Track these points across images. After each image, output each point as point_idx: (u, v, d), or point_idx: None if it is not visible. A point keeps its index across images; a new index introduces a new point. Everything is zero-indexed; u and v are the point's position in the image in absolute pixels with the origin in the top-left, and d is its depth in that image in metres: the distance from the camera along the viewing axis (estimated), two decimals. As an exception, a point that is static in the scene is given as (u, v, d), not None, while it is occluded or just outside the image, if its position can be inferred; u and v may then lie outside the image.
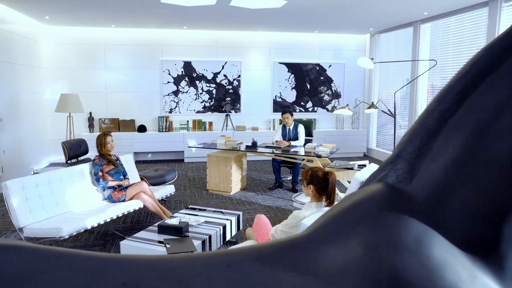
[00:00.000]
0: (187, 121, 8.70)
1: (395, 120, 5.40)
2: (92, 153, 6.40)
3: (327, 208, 2.91)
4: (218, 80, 8.83)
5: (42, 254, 0.67)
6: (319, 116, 9.27)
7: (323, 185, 2.85)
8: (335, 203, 2.95)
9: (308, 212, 2.84)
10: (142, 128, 8.50)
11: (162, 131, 8.55)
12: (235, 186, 6.13)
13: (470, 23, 6.28)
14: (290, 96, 9.19)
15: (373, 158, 9.03)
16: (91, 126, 8.35)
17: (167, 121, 8.58)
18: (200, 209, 4.29)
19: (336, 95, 9.39)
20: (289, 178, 6.78)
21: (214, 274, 0.70)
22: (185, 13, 6.68)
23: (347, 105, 5.70)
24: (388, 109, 5.39)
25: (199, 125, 8.76)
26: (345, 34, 9.17)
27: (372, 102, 5.72)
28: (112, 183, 4.55)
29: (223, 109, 8.88)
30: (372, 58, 5.34)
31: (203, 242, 3.50)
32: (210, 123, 8.82)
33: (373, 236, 0.77)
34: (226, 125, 8.81)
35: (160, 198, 4.85)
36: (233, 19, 7.31)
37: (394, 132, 5.52)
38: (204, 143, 6.62)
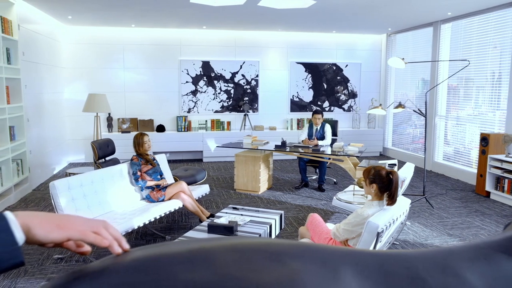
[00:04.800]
0: (206, 121, 8.71)
1: (426, 120, 5.43)
2: (119, 152, 6.42)
3: (389, 207, 2.93)
4: (236, 79, 8.85)
5: (334, 252, 0.68)
6: (336, 115, 9.30)
7: (386, 184, 2.87)
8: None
9: (371, 211, 2.87)
10: (161, 128, 8.50)
11: (181, 131, 8.56)
12: (263, 185, 6.15)
13: (495, 23, 6.32)
14: (307, 95, 9.22)
15: (390, 157, 9.07)
16: (110, 126, 8.33)
17: (185, 120, 8.58)
18: (242, 208, 4.30)
19: (353, 95, 9.43)
20: (314, 178, 6.81)
21: (481, 268, 0.73)
22: (209, 12, 6.69)
23: (380, 104, 5.73)
24: (419, 109, 5.42)
25: (217, 125, 8.76)
26: (361, 34, 9.20)
27: (400, 102, 5.75)
28: (151, 183, 4.56)
29: (241, 109, 8.89)
30: (403, 58, 5.36)
31: (254, 241, 3.52)
32: (229, 123, 8.83)
33: None
34: (244, 124, 8.83)
35: (197, 198, 4.86)
36: (256, 19, 7.32)
37: (425, 132, 5.55)
38: (230, 143, 6.64)
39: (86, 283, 0.59)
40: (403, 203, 3.10)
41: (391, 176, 2.86)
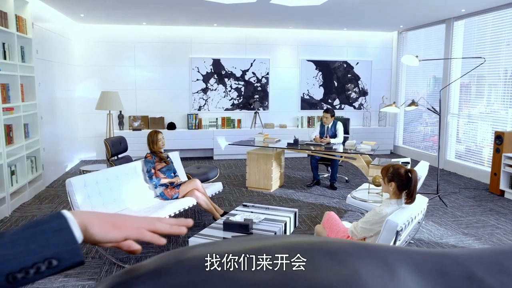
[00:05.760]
0: (216, 119, 8.72)
1: (440, 118, 5.39)
2: (130, 149, 6.44)
3: (407, 206, 2.92)
4: (246, 77, 8.84)
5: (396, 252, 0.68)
6: (346, 113, 9.25)
7: (405, 183, 2.85)
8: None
9: (389, 209, 2.85)
10: (171, 126, 8.52)
11: (192, 129, 8.58)
12: (275, 183, 6.15)
13: (509, 21, 6.24)
14: (318, 93, 9.19)
15: (400, 155, 9.02)
16: (121, 123, 8.37)
17: (196, 118, 8.60)
18: (253, 206, 4.30)
19: (363, 93, 9.38)
20: (325, 176, 6.79)
21: None
22: (221, 10, 6.68)
23: (394, 102, 5.70)
24: (432, 107, 5.38)
25: (228, 123, 8.77)
26: (372, 31, 9.15)
27: (413, 100, 5.71)
28: (165, 181, 4.57)
29: (252, 107, 8.89)
30: (417, 56, 5.32)
31: (270, 239, 3.52)
32: (239, 121, 8.84)
33: None
34: (255, 122, 8.82)
35: (210, 196, 4.87)
36: (268, 17, 7.31)
37: (439, 130, 5.51)
38: (242, 141, 6.64)
39: (147, 282, 0.58)
40: (420, 202, 3.08)
41: (410, 175, 2.84)
